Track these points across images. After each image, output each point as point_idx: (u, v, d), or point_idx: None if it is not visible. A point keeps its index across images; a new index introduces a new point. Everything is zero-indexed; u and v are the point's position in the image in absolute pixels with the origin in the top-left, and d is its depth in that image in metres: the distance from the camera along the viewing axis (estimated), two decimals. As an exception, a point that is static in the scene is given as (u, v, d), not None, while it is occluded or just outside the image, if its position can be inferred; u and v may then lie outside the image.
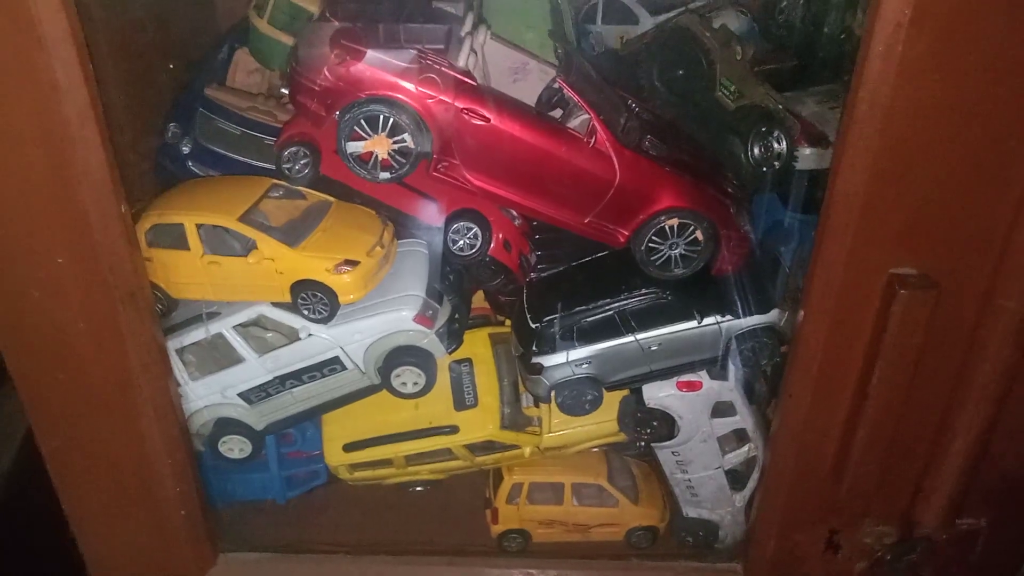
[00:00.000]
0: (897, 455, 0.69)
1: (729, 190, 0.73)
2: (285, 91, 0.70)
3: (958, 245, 0.59)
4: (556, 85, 0.71)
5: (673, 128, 0.73)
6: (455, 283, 0.77)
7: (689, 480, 0.82)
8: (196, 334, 0.73)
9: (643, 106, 0.72)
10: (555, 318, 0.72)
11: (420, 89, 0.60)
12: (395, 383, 0.75)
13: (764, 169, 0.79)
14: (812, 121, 0.83)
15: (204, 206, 0.70)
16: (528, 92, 0.73)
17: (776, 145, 0.80)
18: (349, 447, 0.81)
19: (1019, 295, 0.60)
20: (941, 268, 0.60)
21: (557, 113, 0.71)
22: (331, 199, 0.75)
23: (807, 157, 0.81)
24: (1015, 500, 0.72)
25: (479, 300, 0.87)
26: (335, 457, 0.82)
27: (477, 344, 0.82)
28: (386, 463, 0.83)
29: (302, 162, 0.73)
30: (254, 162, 0.82)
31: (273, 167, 0.80)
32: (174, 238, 0.70)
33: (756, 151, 0.80)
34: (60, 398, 0.70)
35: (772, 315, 0.71)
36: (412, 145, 0.61)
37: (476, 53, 0.65)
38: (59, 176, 0.58)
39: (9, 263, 0.61)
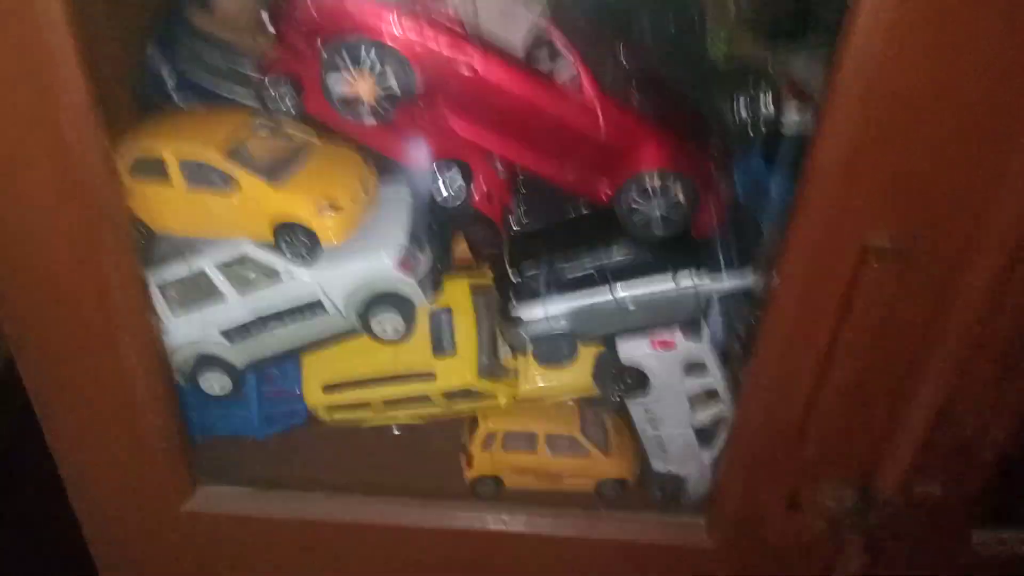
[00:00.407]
0: (860, 421, 0.71)
1: (713, 151, 0.73)
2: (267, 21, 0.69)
3: (932, 219, 0.60)
4: (542, 28, 0.70)
5: (661, 82, 0.73)
6: (438, 232, 0.77)
7: (659, 436, 0.84)
8: (178, 270, 0.73)
9: (632, 57, 0.72)
10: (535, 272, 0.72)
11: (408, 35, 0.60)
12: (375, 328, 0.76)
13: (750, 130, 0.80)
14: (803, 80, 0.83)
15: (187, 138, 0.70)
16: (518, 37, 0.72)
17: (763, 103, 0.80)
18: (328, 388, 0.83)
19: (986, 271, 0.61)
20: (914, 240, 0.61)
21: (545, 57, 0.71)
22: (315, 139, 0.75)
23: (792, 117, 0.81)
24: (970, 469, 0.74)
25: (461, 252, 0.88)
26: (314, 397, 0.84)
27: (457, 293, 0.83)
28: (364, 406, 0.85)
29: (285, 95, 0.72)
30: (240, 99, 0.81)
31: (258, 100, 0.80)
32: (156, 171, 0.69)
33: (743, 111, 0.80)
34: (42, 329, 0.71)
35: (748, 278, 0.72)
36: (397, 88, 0.61)
37: (466, -1, 0.65)
38: (43, 113, 0.58)
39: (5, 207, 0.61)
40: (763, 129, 0.79)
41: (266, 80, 0.71)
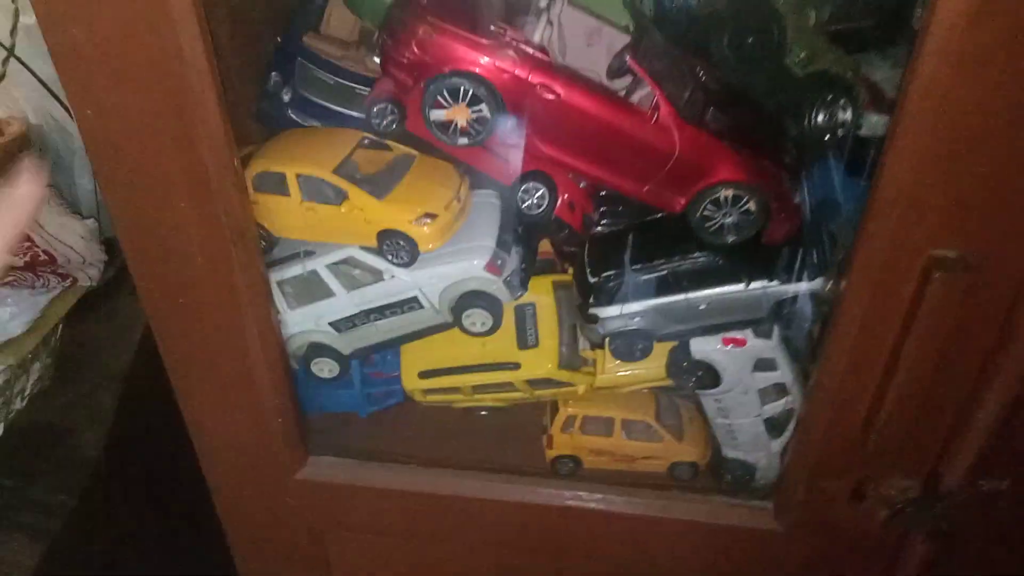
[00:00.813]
0: (925, 419, 0.74)
1: (786, 161, 0.76)
2: (376, 58, 0.76)
3: (999, 232, 0.62)
4: (627, 54, 0.75)
5: (737, 96, 0.76)
6: (523, 235, 0.84)
7: (729, 425, 0.89)
8: (295, 269, 0.83)
9: (710, 72, 0.76)
10: (612, 274, 0.78)
11: (498, 65, 0.66)
12: (465, 323, 0.83)
13: (826, 136, 0.82)
14: (883, 86, 0.85)
15: (303, 157, 0.78)
16: (601, 57, 0.77)
17: (841, 113, 0.82)
18: (423, 374, 0.92)
19: (1053, 283, 0.63)
20: (980, 252, 0.63)
21: (626, 80, 0.75)
22: (415, 152, 0.83)
23: (874, 124, 0.83)
24: (1035, 468, 0.76)
25: (546, 246, 0.94)
26: (411, 382, 0.93)
27: (541, 290, 0.90)
28: (455, 390, 0.93)
29: (389, 118, 0.80)
30: (347, 111, 0.89)
31: (361, 116, 0.88)
32: (277, 185, 0.78)
33: (820, 118, 0.82)
34: (180, 319, 0.81)
35: (817, 283, 0.75)
36: (489, 115, 0.67)
37: (552, 24, 0.70)
38: (184, 135, 0.67)
39: (142, 208, 0.71)
40: (840, 135, 0.81)
41: (372, 104, 0.79)
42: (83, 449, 1.12)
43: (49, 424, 1.15)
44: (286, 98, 0.89)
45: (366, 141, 0.82)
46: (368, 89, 0.89)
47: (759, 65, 0.80)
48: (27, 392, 1.13)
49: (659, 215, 0.79)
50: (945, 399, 0.72)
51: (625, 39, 0.77)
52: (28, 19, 1.20)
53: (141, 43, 0.60)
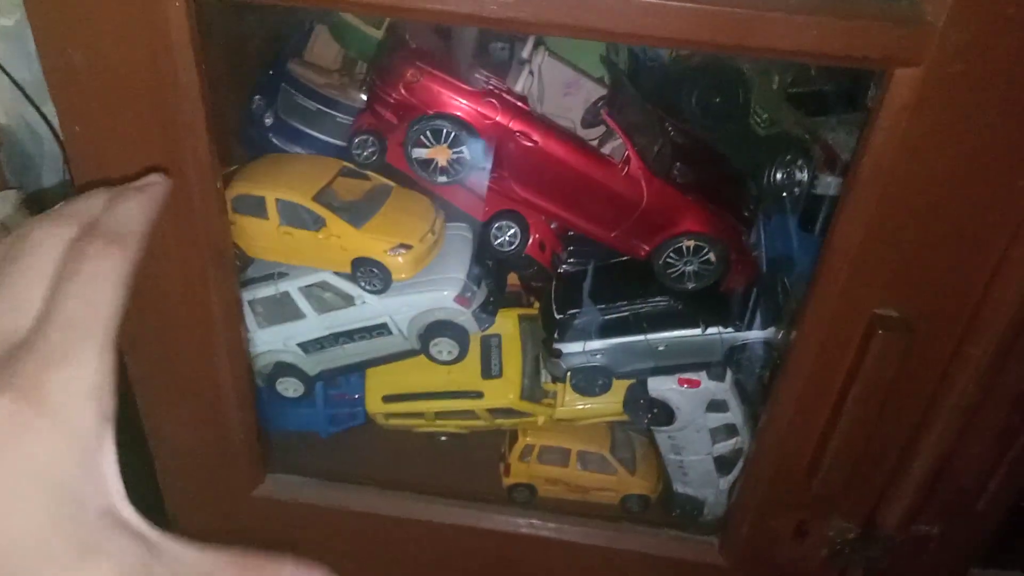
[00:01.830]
0: (865, 465, 0.78)
1: (745, 214, 0.81)
2: (362, 93, 0.79)
3: (937, 296, 0.67)
4: (601, 107, 0.79)
5: (703, 151, 0.81)
6: (493, 269, 0.87)
7: (681, 462, 0.93)
8: (267, 290, 0.84)
9: (678, 127, 0.80)
10: (577, 311, 0.81)
11: (480, 110, 0.69)
12: (432, 351, 0.86)
13: (783, 194, 0.87)
14: (837, 149, 0.90)
15: (283, 182, 0.80)
16: (577, 106, 0.81)
17: (798, 172, 0.87)
18: (388, 398, 0.93)
19: (985, 344, 0.68)
20: (920, 314, 0.68)
21: (599, 130, 0.79)
22: (392, 184, 0.85)
23: (827, 184, 0.88)
24: (965, 513, 0.81)
25: (513, 280, 0.97)
26: (374, 406, 0.94)
27: (507, 322, 0.92)
28: (418, 415, 0.95)
29: (370, 149, 0.83)
30: (326, 138, 0.91)
31: (342, 143, 0.90)
32: (255, 208, 0.80)
33: (778, 176, 0.87)
34: (151, 335, 0.82)
35: (769, 331, 0.80)
36: (468, 156, 0.70)
37: (533, 73, 0.74)
38: (171, 159, 0.68)
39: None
40: (796, 193, 0.86)
41: (354, 135, 0.82)
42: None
43: None
44: (268, 122, 0.91)
45: (345, 170, 0.84)
46: (348, 118, 0.91)
47: (724, 124, 0.84)
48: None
49: (624, 258, 0.82)
50: (885, 447, 0.77)
51: (601, 91, 0.81)
52: (5, 21, 1.20)
53: (138, 70, 0.62)
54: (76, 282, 0.31)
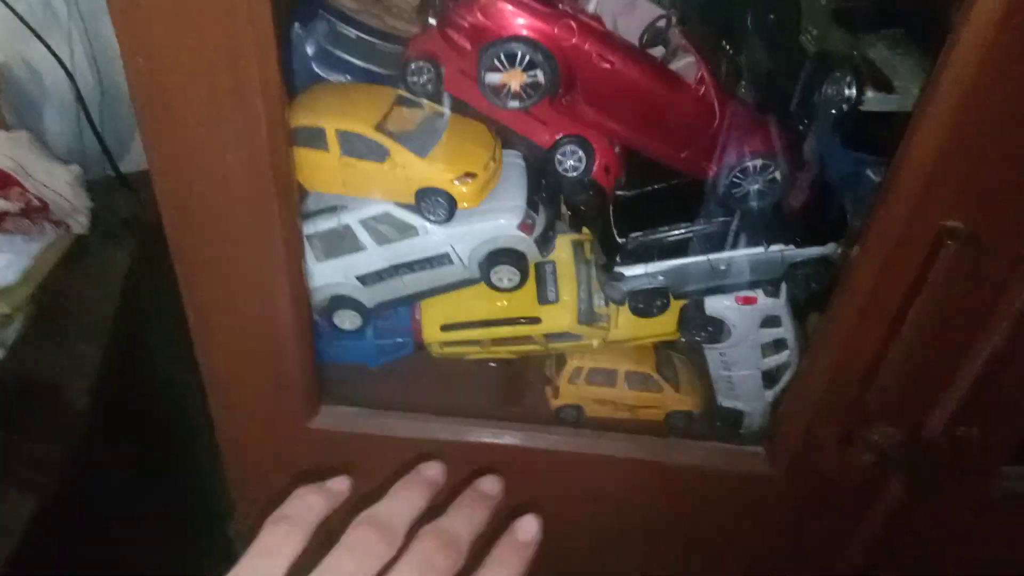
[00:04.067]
0: (917, 374, 0.82)
1: (800, 133, 0.81)
2: (431, 19, 0.77)
3: (1002, 209, 0.69)
4: (661, 24, 0.78)
5: (759, 71, 0.81)
6: (549, 194, 0.87)
7: (730, 376, 0.96)
8: (328, 223, 0.84)
9: (736, 51, 0.80)
10: (639, 235, 0.83)
11: (557, 32, 0.68)
12: (493, 278, 0.86)
13: (832, 111, 0.88)
14: (881, 66, 0.91)
15: (342, 112, 0.79)
16: (634, 26, 0.80)
17: (847, 90, 0.87)
18: (446, 327, 0.95)
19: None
20: (985, 226, 0.70)
21: (659, 51, 0.79)
22: (447, 111, 0.84)
23: (871, 100, 0.89)
24: (1007, 418, 0.85)
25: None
26: (433, 335, 0.95)
27: (560, 248, 0.93)
28: (474, 343, 0.96)
29: (426, 76, 0.81)
30: (372, 67, 0.89)
31: (386, 72, 0.88)
32: (314, 139, 0.79)
33: (828, 92, 0.87)
34: (212, 271, 0.81)
35: (828, 247, 0.82)
36: (542, 80, 0.70)
37: (599, -5, 0.72)
38: (241, 90, 0.67)
39: (187, 160, 0.71)
40: (845, 110, 0.86)
41: (408, 62, 0.80)
42: (71, 402, 1.11)
43: (32, 375, 1.12)
44: (310, 52, 0.89)
45: (400, 98, 0.83)
46: (390, 45, 0.89)
47: (777, 42, 0.84)
48: (9, 343, 1.10)
49: (683, 179, 0.83)
50: (937, 356, 0.80)
51: (656, 10, 0.79)
52: (1, -52, 1.14)
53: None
54: None
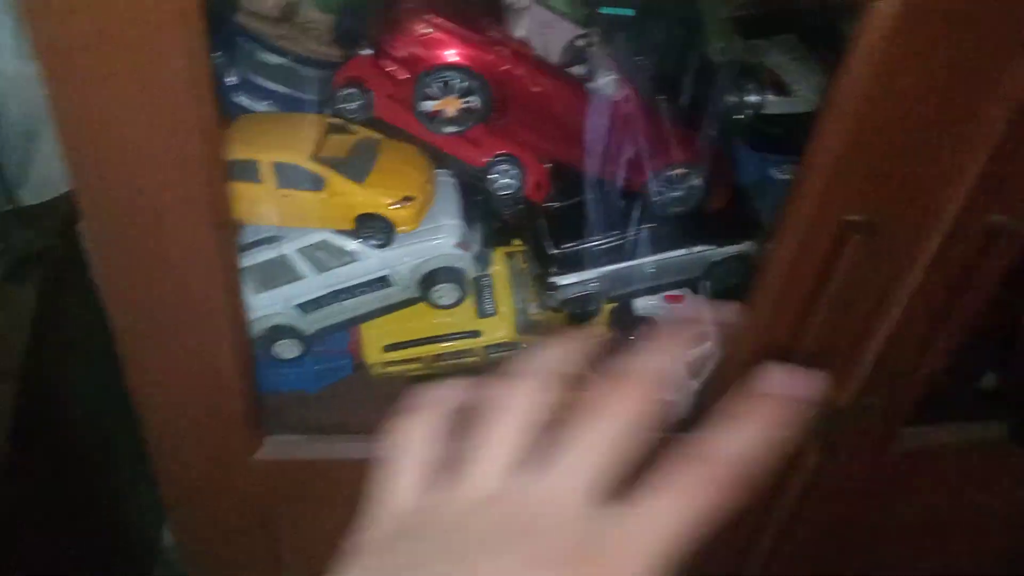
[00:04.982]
0: (827, 354, 0.90)
1: (716, 138, 0.88)
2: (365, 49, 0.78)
3: (898, 202, 0.78)
4: (580, 43, 0.82)
5: (675, 84, 0.87)
6: (483, 212, 0.90)
7: (660, 370, 1.01)
8: (264, 254, 0.83)
9: (650, 63, 0.85)
10: (571, 245, 0.87)
11: (489, 59, 0.71)
12: (434, 297, 0.88)
13: (739, 117, 0.95)
14: (778, 71, 0.99)
15: (275, 144, 0.79)
16: (555, 45, 0.84)
17: (750, 96, 0.95)
18: (389, 347, 0.96)
19: (932, 247, 0.80)
20: (883, 218, 0.78)
21: (578, 69, 0.83)
22: (378, 135, 0.85)
23: (772, 104, 0.97)
24: (907, 386, 0.95)
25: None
26: (375, 356, 0.96)
27: (495, 261, 0.96)
28: (416, 360, 0.98)
29: (357, 103, 0.82)
30: (298, 93, 0.89)
31: (310, 97, 0.88)
32: (248, 173, 0.78)
33: (734, 99, 0.94)
34: (148, 312, 0.80)
35: (745, 245, 0.88)
36: (478, 105, 0.72)
37: (527, 18, 0.75)
38: (177, 130, 0.66)
39: (122, 200, 0.70)
40: (750, 115, 0.94)
41: (338, 89, 0.81)
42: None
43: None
44: (232, 82, 0.87)
45: (331, 125, 0.83)
46: (314, 70, 0.89)
47: (687, 55, 0.90)
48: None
49: (608, 189, 0.88)
50: (843, 337, 0.88)
51: (576, 29, 0.84)
52: None
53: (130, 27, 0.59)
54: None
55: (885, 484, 1.11)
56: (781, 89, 0.94)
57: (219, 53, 0.86)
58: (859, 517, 1.16)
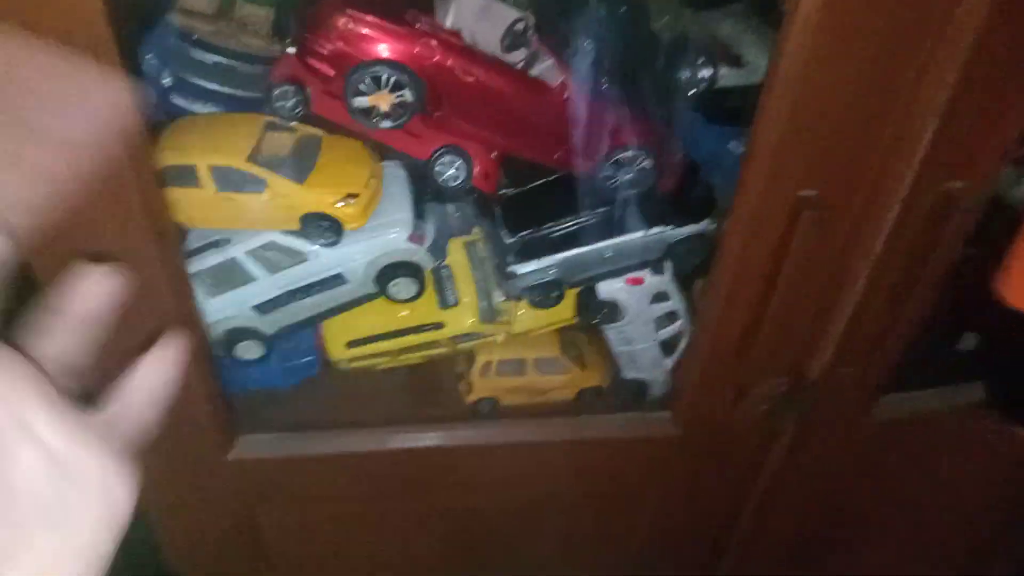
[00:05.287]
0: (792, 330, 0.89)
1: (663, 117, 0.86)
2: (289, 48, 0.76)
3: (847, 176, 0.76)
4: (519, 27, 0.80)
5: (620, 63, 0.84)
6: (435, 203, 0.88)
7: (631, 351, 1.01)
8: (212, 259, 0.82)
9: (594, 44, 0.83)
10: (527, 233, 0.85)
11: (418, 52, 0.69)
12: (391, 291, 0.87)
13: (692, 91, 0.93)
14: (729, 43, 0.96)
15: (212, 146, 0.77)
16: (492, 30, 0.82)
17: (703, 70, 0.92)
18: (352, 343, 0.95)
19: (886, 216, 0.78)
20: (834, 192, 0.76)
21: (520, 54, 0.81)
22: (319, 132, 0.83)
23: (726, 76, 0.94)
24: (879, 354, 0.94)
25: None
26: (338, 352, 0.96)
27: (454, 251, 0.95)
28: (382, 355, 0.97)
29: (293, 100, 0.80)
30: (237, 91, 0.87)
31: (250, 95, 0.86)
32: (186, 177, 0.77)
33: (686, 74, 0.92)
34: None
35: (702, 224, 0.87)
36: (410, 99, 0.70)
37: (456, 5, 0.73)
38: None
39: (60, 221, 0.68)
40: (702, 88, 0.91)
41: (273, 88, 0.79)
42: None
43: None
44: (167, 83, 0.86)
45: (270, 124, 0.82)
46: (252, 67, 0.87)
47: (632, 32, 0.88)
48: None
49: (561, 175, 0.86)
50: (807, 310, 0.87)
51: (513, 13, 0.81)
52: None
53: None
54: None
55: (864, 456, 1.10)
56: (734, 60, 0.92)
57: (151, 54, 0.84)
58: (837, 493, 1.15)
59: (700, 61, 0.90)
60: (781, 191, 0.76)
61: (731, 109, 0.92)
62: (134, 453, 0.33)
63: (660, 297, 0.94)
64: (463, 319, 0.94)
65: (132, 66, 0.86)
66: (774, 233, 0.79)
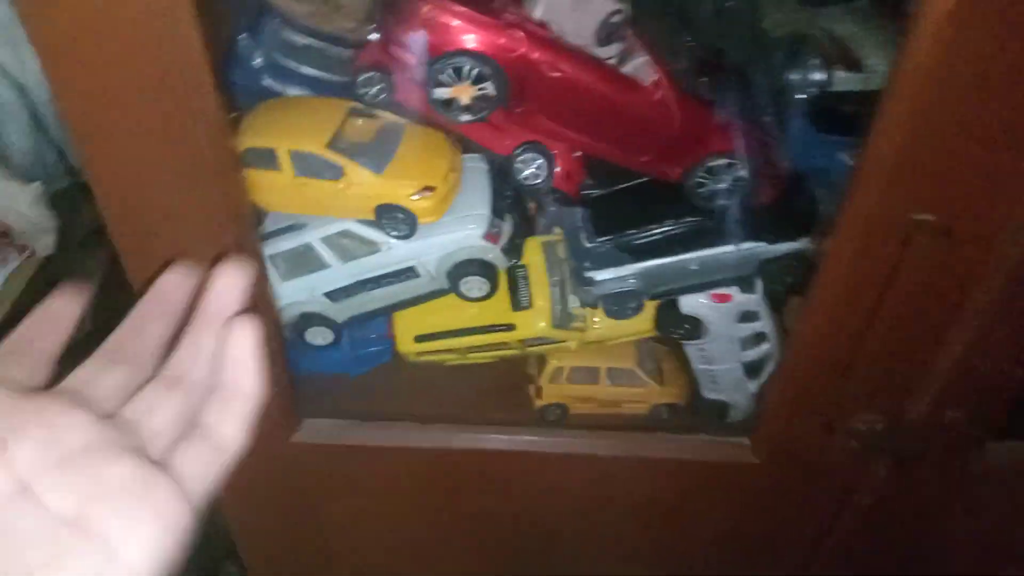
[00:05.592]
0: (895, 364, 0.81)
1: (767, 123, 0.79)
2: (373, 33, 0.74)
3: (973, 201, 0.67)
4: (616, 19, 0.75)
5: (722, 63, 0.78)
6: (515, 201, 0.85)
7: (712, 370, 0.95)
8: (287, 243, 0.82)
9: (695, 43, 0.77)
10: (608, 238, 0.81)
11: (503, 43, 0.65)
12: (463, 288, 0.85)
13: (802, 96, 0.85)
14: (849, 43, 0.88)
15: (293, 131, 0.76)
16: (587, 22, 0.77)
17: (816, 73, 0.85)
18: (420, 338, 0.93)
19: (1007, 245, 0.69)
20: (956, 218, 0.68)
21: (614, 48, 0.76)
22: (403, 121, 0.81)
23: (841, 81, 0.86)
24: (992, 400, 0.84)
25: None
26: (407, 346, 0.94)
27: (530, 251, 0.91)
28: (450, 351, 0.95)
29: (377, 87, 0.78)
30: (327, 75, 0.86)
31: (340, 79, 0.85)
32: (266, 160, 0.77)
33: (796, 77, 0.85)
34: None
35: (801, 242, 0.80)
36: (493, 92, 0.67)
37: (547, -5, 0.69)
38: (180, 120, 0.64)
39: (133, 196, 0.69)
40: (814, 93, 0.84)
41: (358, 72, 0.77)
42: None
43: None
44: (258, 64, 0.85)
45: (354, 110, 0.80)
46: (343, 50, 0.86)
47: (739, 29, 0.81)
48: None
49: (649, 180, 0.81)
50: (913, 344, 0.79)
51: (611, 4, 0.76)
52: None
53: (131, 23, 0.58)
54: None
55: (964, 506, 1.00)
56: (852, 64, 0.83)
57: (244, 34, 0.84)
58: (928, 541, 1.05)
59: (813, 63, 0.83)
60: (893, 213, 0.69)
61: (845, 117, 0.84)
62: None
63: (748, 317, 0.88)
64: (535, 322, 0.90)
65: (223, 44, 0.87)
66: (882, 258, 0.72)
